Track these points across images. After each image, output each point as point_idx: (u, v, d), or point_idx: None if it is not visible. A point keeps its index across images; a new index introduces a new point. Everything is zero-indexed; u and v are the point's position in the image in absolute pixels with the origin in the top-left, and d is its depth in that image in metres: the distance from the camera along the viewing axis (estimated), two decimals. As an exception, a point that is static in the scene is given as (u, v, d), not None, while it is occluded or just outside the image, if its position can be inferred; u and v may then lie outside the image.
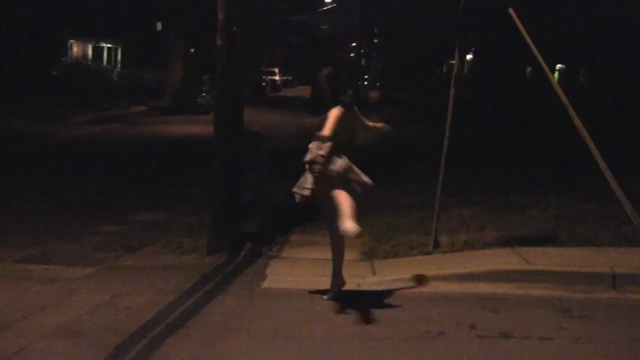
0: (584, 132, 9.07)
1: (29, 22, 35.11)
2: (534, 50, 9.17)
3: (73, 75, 38.96)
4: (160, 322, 6.65)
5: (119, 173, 16.50)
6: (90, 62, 46.19)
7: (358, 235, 6.75)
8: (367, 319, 6.83)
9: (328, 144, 6.88)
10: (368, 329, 6.58)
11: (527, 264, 8.25)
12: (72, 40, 45.81)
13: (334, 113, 7.03)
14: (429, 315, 6.98)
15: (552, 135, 20.02)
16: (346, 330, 6.55)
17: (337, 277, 7.41)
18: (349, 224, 6.72)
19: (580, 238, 9.28)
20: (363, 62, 50.52)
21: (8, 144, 21.14)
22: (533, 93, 30.73)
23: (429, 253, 9.06)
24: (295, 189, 7.19)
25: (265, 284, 8.05)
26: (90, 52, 48.96)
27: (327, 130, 6.93)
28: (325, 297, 7.41)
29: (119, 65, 50.34)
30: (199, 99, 36.99)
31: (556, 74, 39.85)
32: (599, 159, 9.02)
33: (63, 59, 42.85)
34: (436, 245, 9.19)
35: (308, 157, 6.94)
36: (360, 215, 6.93)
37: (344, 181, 6.97)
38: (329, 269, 7.53)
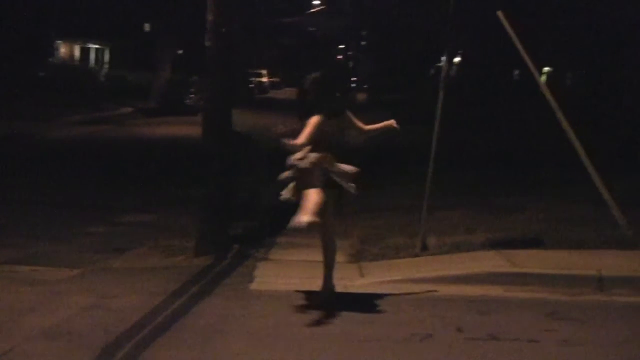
0: (571, 135, 9.12)
1: (15, 22, 34.97)
2: (523, 52, 9.21)
3: (60, 76, 38.82)
4: (149, 323, 6.64)
5: (106, 174, 16.47)
6: (77, 63, 46.05)
7: (308, 225, 6.69)
8: (354, 321, 6.83)
9: (307, 151, 6.89)
10: (356, 331, 6.58)
11: (514, 266, 8.28)
12: (59, 41, 45.66)
13: (313, 120, 7.01)
14: (417, 317, 6.99)
15: (540, 137, 20.06)
16: (334, 332, 6.56)
17: (328, 280, 7.41)
18: (301, 216, 6.70)
19: (567, 241, 9.31)
20: (351, 64, 50.58)
21: (-6, 145, 21.07)
22: (521, 95, 30.79)
23: (416, 255, 9.08)
24: (282, 193, 7.23)
25: (253, 286, 8.05)
26: (77, 53, 48.82)
27: (301, 138, 6.94)
28: (313, 299, 7.41)
29: (106, 66, 50.19)
30: (187, 100, 36.97)
31: (543, 77, 39.90)
32: (586, 161, 9.06)
33: (50, 59, 42.70)
34: (424, 247, 9.21)
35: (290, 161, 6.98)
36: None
37: (323, 173, 6.95)
38: (317, 271, 7.54)
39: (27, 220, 11.49)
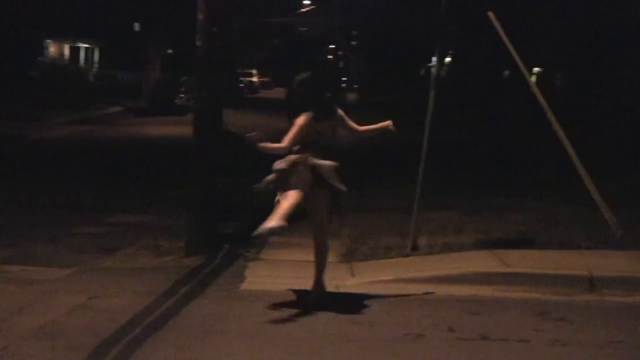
0: (562, 135, 9.13)
1: (4, 21, 34.84)
2: (513, 53, 9.22)
3: (49, 75, 38.71)
4: (139, 324, 6.62)
5: (96, 174, 16.41)
6: (67, 62, 45.93)
7: (271, 230, 6.65)
8: (346, 321, 6.83)
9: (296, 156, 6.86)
10: (347, 331, 6.58)
11: (505, 266, 8.29)
12: (49, 40, 45.53)
13: (299, 121, 6.98)
14: (408, 317, 6.99)
15: (531, 137, 20.11)
16: (325, 332, 6.55)
17: (319, 280, 7.40)
18: (267, 222, 6.64)
19: (558, 241, 9.33)
20: (341, 64, 50.60)
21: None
22: (511, 96, 30.86)
23: (407, 255, 9.08)
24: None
25: (244, 286, 8.04)
26: (67, 52, 48.68)
27: (285, 140, 6.90)
28: (305, 299, 7.40)
29: (96, 65, 50.07)
30: (177, 100, 36.91)
31: (534, 78, 40.00)
32: (576, 161, 9.08)
33: (40, 58, 42.57)
34: (415, 247, 9.21)
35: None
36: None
37: (313, 172, 6.90)
38: (308, 271, 7.53)
39: (16, 220, 11.42)
